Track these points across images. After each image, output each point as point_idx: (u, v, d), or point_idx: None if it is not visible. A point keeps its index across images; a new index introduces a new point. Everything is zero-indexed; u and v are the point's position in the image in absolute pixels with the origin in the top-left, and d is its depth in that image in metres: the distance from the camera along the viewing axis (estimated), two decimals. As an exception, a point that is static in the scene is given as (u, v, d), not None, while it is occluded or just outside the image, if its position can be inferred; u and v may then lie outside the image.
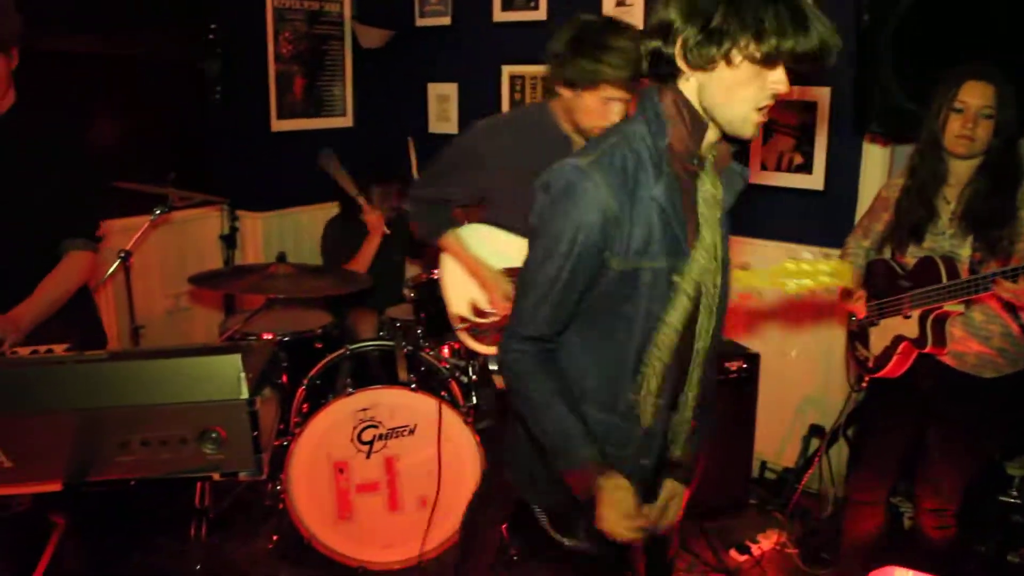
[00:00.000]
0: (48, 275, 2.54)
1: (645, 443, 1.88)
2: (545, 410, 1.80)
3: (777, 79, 1.58)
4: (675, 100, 1.67)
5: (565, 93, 2.48)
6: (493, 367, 2.89)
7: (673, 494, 1.99)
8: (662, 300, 1.75)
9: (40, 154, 2.51)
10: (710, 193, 1.76)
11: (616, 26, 2.39)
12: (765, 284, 2.40)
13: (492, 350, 2.81)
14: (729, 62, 1.56)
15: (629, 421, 1.84)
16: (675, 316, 1.76)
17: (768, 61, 1.55)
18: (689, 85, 1.65)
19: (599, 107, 2.41)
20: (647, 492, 1.94)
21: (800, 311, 3.98)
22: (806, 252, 2.37)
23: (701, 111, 1.67)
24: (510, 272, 2.68)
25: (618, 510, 1.76)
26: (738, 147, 1.79)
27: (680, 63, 1.61)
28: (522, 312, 1.80)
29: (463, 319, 2.86)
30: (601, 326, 1.80)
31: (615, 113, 2.40)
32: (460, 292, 2.86)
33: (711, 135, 1.71)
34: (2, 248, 2.49)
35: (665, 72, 1.66)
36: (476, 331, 2.85)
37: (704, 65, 1.59)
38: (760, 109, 1.62)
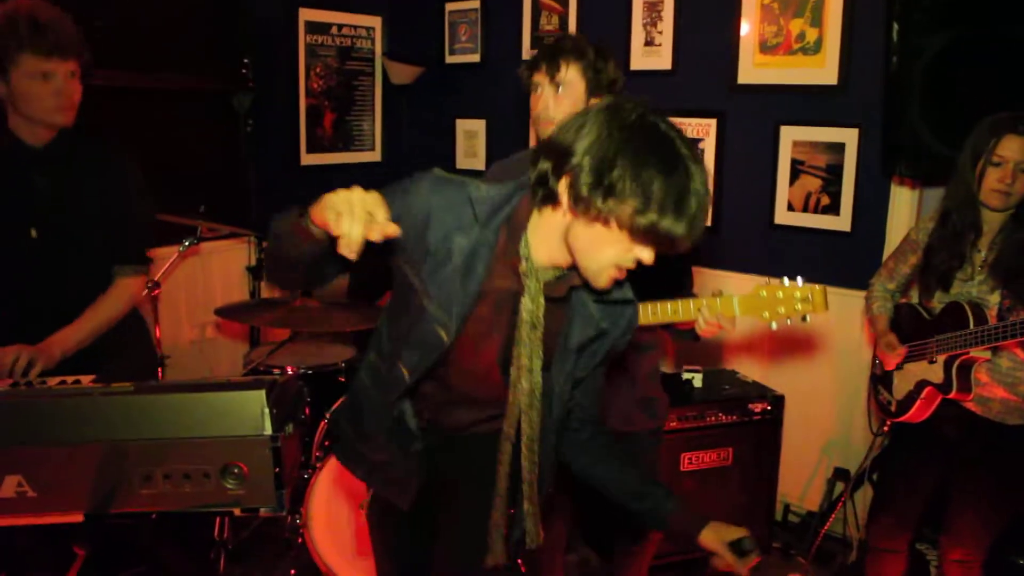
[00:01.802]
0: (96, 301, 2.58)
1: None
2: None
3: (645, 253, 1.55)
4: (525, 200, 1.68)
5: None
6: None
7: None
8: (422, 331, 1.77)
9: (90, 180, 2.56)
10: (527, 311, 1.71)
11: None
12: (738, 313, 2.31)
13: None
14: (606, 222, 1.51)
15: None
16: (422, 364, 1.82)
17: (637, 234, 1.50)
18: (557, 217, 1.61)
19: None
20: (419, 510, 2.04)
21: (826, 352, 3.95)
22: (785, 279, 2.27)
23: (562, 244, 1.63)
24: None
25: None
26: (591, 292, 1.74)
27: (563, 197, 1.56)
28: None
29: None
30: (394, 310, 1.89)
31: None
32: None
33: (559, 258, 1.67)
34: (53, 273, 2.53)
35: (544, 196, 1.61)
36: None
37: (584, 212, 1.52)
38: (619, 267, 1.59)
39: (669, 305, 2.40)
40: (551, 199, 1.59)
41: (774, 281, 2.28)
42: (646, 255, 1.55)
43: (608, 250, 1.55)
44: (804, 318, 2.26)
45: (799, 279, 2.25)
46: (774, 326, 2.28)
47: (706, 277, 4.03)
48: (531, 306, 1.70)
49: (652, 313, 2.43)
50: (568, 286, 1.73)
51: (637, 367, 2.72)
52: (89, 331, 2.54)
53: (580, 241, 1.57)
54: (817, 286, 2.22)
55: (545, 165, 1.58)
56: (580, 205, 1.52)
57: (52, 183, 2.50)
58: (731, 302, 2.32)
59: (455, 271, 1.70)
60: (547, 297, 1.72)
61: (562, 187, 1.55)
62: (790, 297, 2.25)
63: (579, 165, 1.50)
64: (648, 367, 2.76)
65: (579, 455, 2.03)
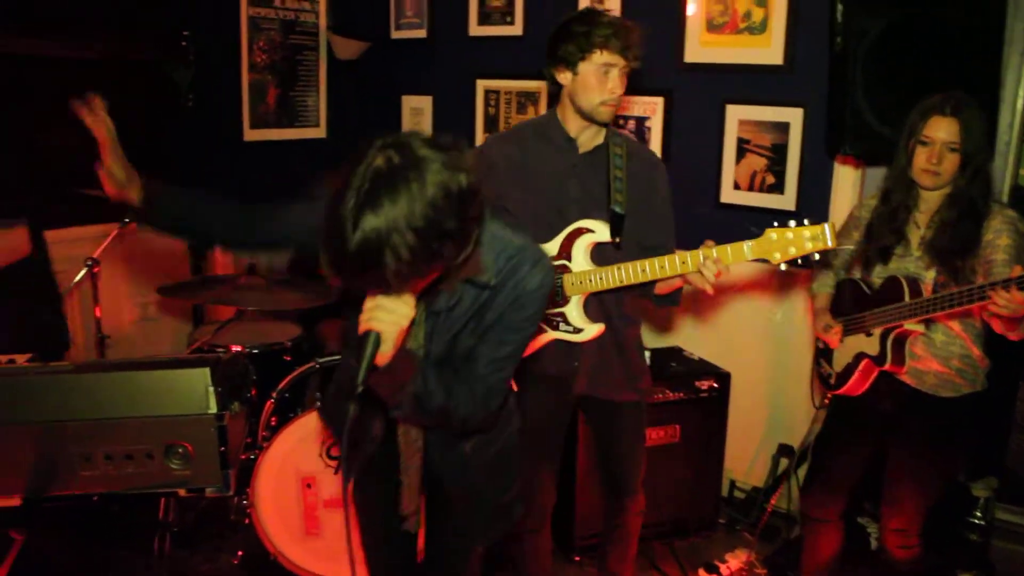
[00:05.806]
0: None
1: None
2: None
3: None
4: None
5: (565, 81, 2.52)
6: None
7: None
8: None
9: None
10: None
11: (595, 9, 2.52)
12: (750, 258, 2.39)
13: None
14: None
15: None
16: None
17: None
18: None
19: (598, 77, 2.45)
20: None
21: (771, 330, 4.00)
22: (791, 221, 2.35)
23: None
24: None
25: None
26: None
27: None
28: None
29: None
30: None
31: (614, 82, 2.44)
32: None
33: None
34: None
35: None
36: None
37: None
38: None
39: (656, 262, 2.46)
40: None
41: (791, 223, 2.36)
42: None
43: None
44: (815, 256, 2.33)
45: (805, 220, 2.33)
46: (783, 267, 2.37)
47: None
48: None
49: (641, 271, 2.48)
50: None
51: (624, 339, 2.76)
52: None
53: None
54: (823, 224, 2.30)
55: None
56: None
57: None
58: (741, 249, 2.38)
59: None
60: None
61: None
62: (799, 237, 2.32)
63: None
64: (633, 339, 2.80)
65: None
